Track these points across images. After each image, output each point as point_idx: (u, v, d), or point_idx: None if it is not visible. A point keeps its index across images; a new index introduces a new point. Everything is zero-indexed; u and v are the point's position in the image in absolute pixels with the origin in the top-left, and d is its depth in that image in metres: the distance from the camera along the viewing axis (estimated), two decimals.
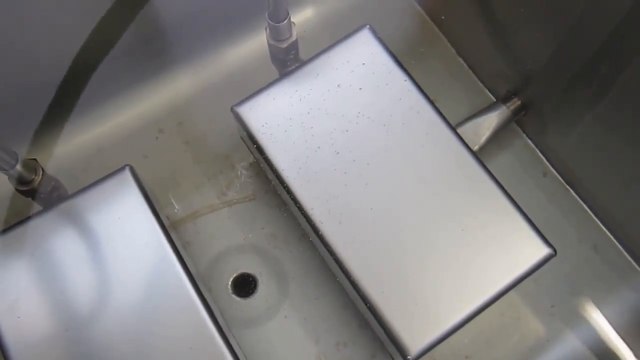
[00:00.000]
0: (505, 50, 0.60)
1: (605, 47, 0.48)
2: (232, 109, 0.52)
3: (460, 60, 0.67)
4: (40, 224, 0.49)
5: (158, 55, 0.63)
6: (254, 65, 0.65)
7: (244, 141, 0.56)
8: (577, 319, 0.57)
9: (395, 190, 0.49)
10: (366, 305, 0.47)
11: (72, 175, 0.61)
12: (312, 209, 0.48)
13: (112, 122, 0.63)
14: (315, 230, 0.48)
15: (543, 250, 0.48)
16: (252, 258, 0.59)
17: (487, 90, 0.65)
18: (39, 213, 0.50)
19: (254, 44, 0.66)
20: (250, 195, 0.61)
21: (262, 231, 0.60)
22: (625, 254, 0.59)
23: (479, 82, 0.66)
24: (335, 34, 0.57)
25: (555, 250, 0.48)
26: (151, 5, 0.58)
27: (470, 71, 0.66)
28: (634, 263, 0.59)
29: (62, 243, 0.49)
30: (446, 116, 0.52)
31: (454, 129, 0.51)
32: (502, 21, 0.59)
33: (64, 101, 0.60)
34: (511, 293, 0.57)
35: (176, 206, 0.61)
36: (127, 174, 0.50)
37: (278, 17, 0.48)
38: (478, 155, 0.60)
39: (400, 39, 0.68)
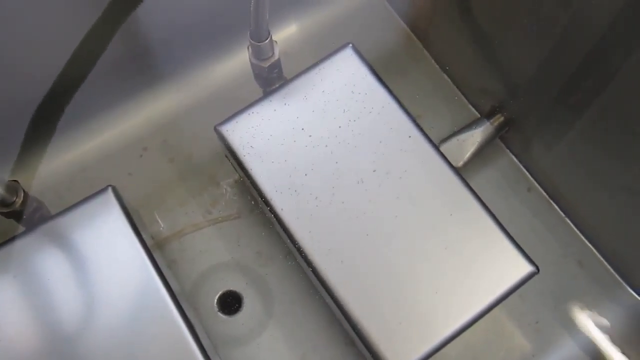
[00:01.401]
0: (490, 67, 0.60)
1: (588, 61, 0.48)
2: (215, 128, 0.52)
3: (445, 76, 0.67)
4: (22, 246, 0.49)
5: (142, 73, 0.63)
6: (239, 82, 0.65)
7: (228, 159, 0.56)
8: (562, 335, 0.57)
9: (379, 208, 0.49)
10: (350, 324, 0.47)
11: (57, 194, 0.61)
12: (295, 228, 0.48)
13: (96, 140, 0.63)
14: (299, 249, 0.48)
15: (526, 268, 0.48)
16: (238, 276, 0.59)
17: (471, 106, 0.65)
18: (21, 234, 0.49)
19: (239, 61, 0.66)
20: (235, 213, 0.61)
21: (248, 249, 0.59)
22: (610, 268, 0.59)
23: (463, 97, 0.66)
24: (319, 50, 0.57)
25: (537, 268, 0.48)
26: (135, 23, 0.58)
27: (455, 87, 0.66)
28: (618, 278, 0.59)
29: (44, 265, 0.48)
30: (431, 132, 0.53)
31: (436, 146, 0.51)
32: (486, 38, 0.59)
33: (48, 120, 0.60)
34: (496, 309, 0.57)
35: (161, 224, 0.60)
36: (109, 194, 0.50)
37: (260, 36, 0.48)
38: (462, 171, 0.60)
39: (384, 55, 0.68)
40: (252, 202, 0.61)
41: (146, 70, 0.63)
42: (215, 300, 0.58)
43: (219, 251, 0.59)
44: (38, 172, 0.62)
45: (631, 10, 0.40)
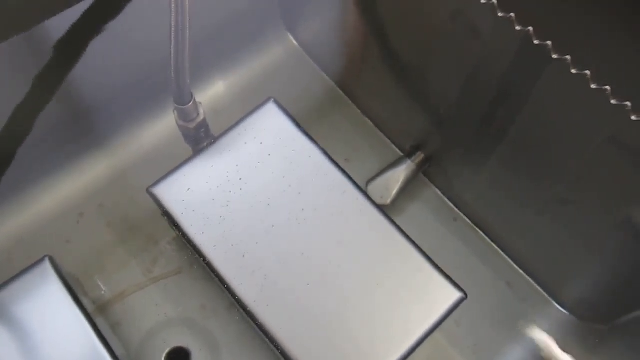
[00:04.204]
0: (408, 109, 0.64)
1: (498, 96, 0.53)
2: (148, 190, 0.53)
3: (367, 120, 0.71)
4: None
5: (72, 141, 0.64)
6: (170, 142, 0.67)
7: (164, 218, 0.58)
8: (499, 353, 0.60)
9: (312, 254, 0.51)
10: None
11: None
12: (232, 280, 0.50)
13: (31, 210, 0.63)
14: (238, 301, 0.50)
15: (455, 295, 0.51)
16: (184, 331, 0.60)
17: (394, 146, 0.69)
18: None
19: (169, 122, 0.67)
20: (177, 269, 0.62)
21: (191, 303, 0.61)
22: (537, 286, 0.63)
23: (386, 139, 0.70)
24: (246, 105, 0.60)
25: (465, 294, 0.51)
26: (62, 93, 0.59)
27: (377, 129, 0.70)
28: (545, 294, 0.63)
29: None
30: (358, 173, 0.56)
31: (361, 189, 0.54)
32: (405, 83, 0.63)
33: None
34: (436, 336, 0.60)
35: (103, 288, 0.61)
36: (46, 264, 0.51)
37: (183, 100, 0.50)
38: (391, 208, 0.63)
39: (308, 105, 0.72)
40: (192, 254, 0.62)
41: (77, 137, 0.64)
42: (163, 358, 0.58)
43: (163, 308, 0.60)
44: None
45: (525, 47, 0.45)
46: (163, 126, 0.68)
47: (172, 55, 0.45)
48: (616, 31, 0.45)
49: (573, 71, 0.42)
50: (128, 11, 0.58)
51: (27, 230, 0.63)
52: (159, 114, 0.68)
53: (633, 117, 0.41)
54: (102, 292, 0.61)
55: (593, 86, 0.41)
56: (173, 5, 0.42)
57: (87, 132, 0.65)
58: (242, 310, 0.52)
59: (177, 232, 0.54)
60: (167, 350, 0.59)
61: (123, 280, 0.61)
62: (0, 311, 0.49)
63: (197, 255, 0.53)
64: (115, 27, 0.58)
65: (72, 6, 0.55)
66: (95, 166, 0.65)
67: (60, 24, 0.55)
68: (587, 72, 0.42)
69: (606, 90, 0.41)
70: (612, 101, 0.41)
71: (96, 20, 0.57)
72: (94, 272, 0.61)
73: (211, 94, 0.70)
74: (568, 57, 0.42)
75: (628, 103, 0.41)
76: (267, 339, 0.50)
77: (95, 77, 0.61)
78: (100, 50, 0.59)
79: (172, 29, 0.43)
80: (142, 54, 0.63)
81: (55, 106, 0.60)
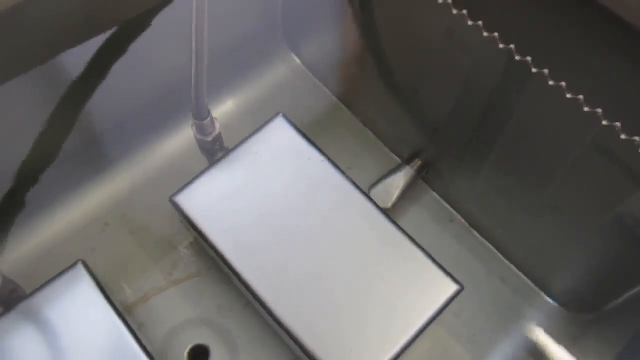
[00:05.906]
0: (405, 119, 0.69)
1: (486, 107, 0.57)
2: (170, 199, 0.59)
3: (368, 131, 0.76)
4: (4, 324, 0.53)
5: (97, 158, 0.69)
6: (185, 155, 0.72)
7: (184, 225, 0.63)
8: (496, 343, 0.65)
9: (323, 254, 0.56)
10: (309, 357, 0.53)
11: (26, 278, 0.65)
12: (250, 279, 0.55)
13: (59, 223, 0.68)
14: (257, 298, 0.55)
15: (452, 287, 0.56)
16: (203, 330, 0.64)
17: (393, 154, 0.75)
18: (1, 314, 0.54)
19: (184, 137, 0.73)
20: (195, 272, 0.67)
21: (210, 304, 0.65)
22: (528, 281, 0.68)
23: (385, 148, 0.75)
24: (254, 121, 0.65)
25: (462, 286, 0.56)
26: (87, 113, 0.64)
27: (377, 139, 0.76)
28: (536, 288, 0.68)
29: (24, 342, 0.52)
30: (361, 180, 0.61)
31: (365, 193, 0.60)
32: (402, 95, 0.68)
33: (9, 211, 0.65)
34: (436, 328, 0.65)
35: (128, 291, 0.66)
36: (80, 268, 0.56)
37: (201, 116, 0.56)
38: (392, 211, 0.68)
39: (312, 119, 0.77)
40: (209, 258, 0.67)
41: (100, 154, 0.70)
42: (185, 356, 0.63)
43: (183, 309, 0.65)
44: (5, 259, 0.66)
45: (508, 63, 0.50)
46: (178, 142, 0.73)
47: (193, 78, 0.51)
48: (588, 46, 0.51)
49: (551, 83, 0.47)
50: (145, 39, 0.64)
51: (55, 241, 0.68)
52: (174, 131, 0.73)
53: (604, 122, 0.46)
54: (127, 295, 0.65)
55: (568, 96, 0.47)
56: (194, 33, 0.47)
57: (109, 149, 0.70)
58: (259, 307, 0.57)
59: (198, 237, 0.59)
60: (188, 348, 0.63)
61: (145, 284, 0.66)
62: (38, 312, 0.54)
63: (216, 258, 0.58)
64: (135, 54, 0.63)
65: (92, 38, 0.60)
66: (119, 179, 0.71)
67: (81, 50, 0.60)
68: (563, 83, 0.47)
69: (579, 99, 0.46)
70: (586, 109, 0.46)
71: (118, 46, 0.62)
72: (119, 277, 0.66)
73: (222, 111, 0.76)
74: (546, 70, 0.47)
75: (599, 110, 0.46)
76: (283, 331, 0.54)
77: (117, 97, 0.66)
78: (122, 74, 0.64)
79: (194, 55, 0.48)
80: (160, 77, 0.68)
81: (80, 126, 0.65)
